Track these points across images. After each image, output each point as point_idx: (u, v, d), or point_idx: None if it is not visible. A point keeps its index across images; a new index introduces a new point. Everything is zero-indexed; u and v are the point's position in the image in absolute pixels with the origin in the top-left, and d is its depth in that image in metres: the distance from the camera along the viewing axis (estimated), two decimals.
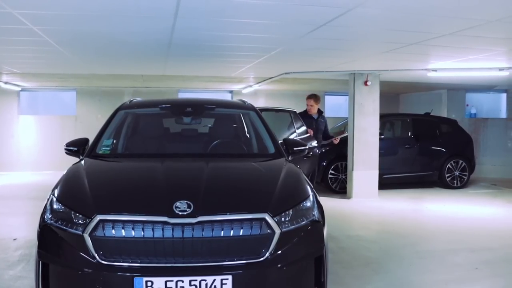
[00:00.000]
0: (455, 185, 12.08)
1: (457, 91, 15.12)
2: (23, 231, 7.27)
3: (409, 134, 12.19)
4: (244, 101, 6.02)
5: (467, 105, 15.73)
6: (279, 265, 3.46)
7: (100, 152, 4.90)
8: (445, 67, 9.37)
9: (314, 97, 10.02)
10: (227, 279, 3.30)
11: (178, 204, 3.46)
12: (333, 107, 16.96)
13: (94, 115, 15.08)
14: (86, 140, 5.10)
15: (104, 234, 3.39)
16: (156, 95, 14.67)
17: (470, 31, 5.79)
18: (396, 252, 6.38)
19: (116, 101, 13.68)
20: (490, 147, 15.26)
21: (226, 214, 3.47)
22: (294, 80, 12.22)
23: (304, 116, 9.82)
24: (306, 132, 9.18)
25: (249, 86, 14.50)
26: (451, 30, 5.86)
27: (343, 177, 11.18)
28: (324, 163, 11.09)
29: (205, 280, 3.28)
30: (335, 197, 10.48)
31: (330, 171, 11.19)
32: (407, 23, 5.62)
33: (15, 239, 6.80)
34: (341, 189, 11.04)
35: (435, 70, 9.70)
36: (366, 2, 4.59)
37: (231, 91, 16.48)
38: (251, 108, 5.73)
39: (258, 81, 13.02)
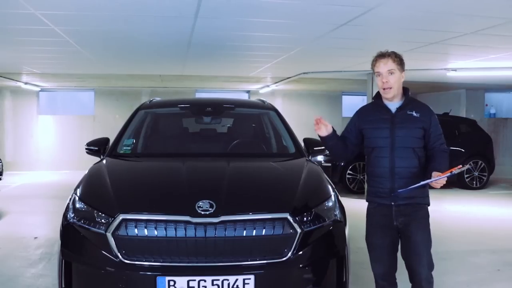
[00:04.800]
0: (475, 185, 11.97)
1: (476, 90, 14.98)
2: (44, 229, 7.34)
3: None
4: (263, 101, 6.00)
5: (486, 105, 15.58)
6: (301, 265, 3.44)
7: (121, 151, 4.92)
8: (465, 66, 9.29)
9: None
10: (249, 278, 3.30)
11: (200, 203, 3.45)
12: (350, 107, 16.91)
13: (112, 115, 15.19)
14: (107, 139, 5.13)
15: (127, 233, 3.40)
16: (173, 95, 14.74)
17: (492, 30, 5.74)
18: None
19: (134, 101, 13.88)
20: (510, 147, 15.09)
21: (248, 214, 3.46)
22: (312, 80, 12.19)
23: None
24: None
25: (267, 86, 14.50)
26: (472, 29, 5.80)
27: (361, 177, 11.13)
28: (342, 164, 11.04)
29: (228, 280, 3.27)
30: (353, 198, 10.42)
31: (348, 171, 11.15)
32: (428, 22, 5.58)
33: (36, 237, 6.86)
34: (359, 189, 10.99)
35: (454, 69, 9.62)
36: (388, 1, 4.57)
37: (248, 91, 16.50)
38: (271, 107, 5.71)
39: (276, 81, 13.01)
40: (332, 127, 3.58)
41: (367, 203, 3.72)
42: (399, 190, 3.39)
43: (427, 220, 3.54)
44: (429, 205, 3.58)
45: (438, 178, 3.30)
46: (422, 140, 3.50)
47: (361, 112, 3.71)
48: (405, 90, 3.58)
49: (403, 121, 3.48)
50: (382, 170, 3.49)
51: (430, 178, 3.33)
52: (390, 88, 3.44)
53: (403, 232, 3.50)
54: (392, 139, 3.47)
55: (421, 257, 3.45)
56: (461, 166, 3.34)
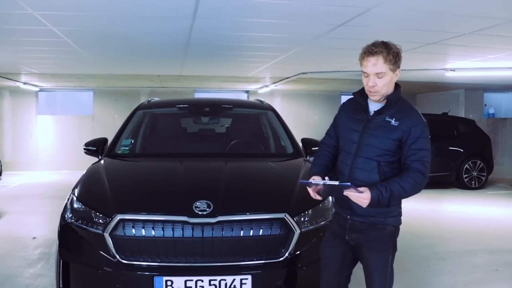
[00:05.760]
0: (473, 186, 11.96)
1: (475, 90, 14.98)
2: (42, 229, 7.33)
3: None
4: (261, 101, 6.01)
5: (485, 105, 15.58)
6: (298, 265, 3.46)
7: (119, 152, 4.93)
8: (463, 66, 9.29)
9: None
10: (247, 278, 3.31)
11: (198, 204, 3.46)
12: None
13: (111, 115, 15.19)
14: (105, 140, 5.15)
15: (125, 234, 3.41)
16: (172, 95, 14.74)
17: (490, 30, 5.74)
18: (414, 253, 6.33)
19: (133, 101, 13.88)
20: (509, 147, 15.08)
21: (245, 214, 3.47)
22: (311, 80, 12.19)
23: None
24: None
25: (265, 86, 14.50)
26: (470, 29, 5.80)
27: None
28: None
29: (225, 280, 3.28)
30: None
31: None
32: (426, 23, 5.58)
33: (34, 237, 6.86)
34: None
35: (453, 69, 9.62)
36: (385, 1, 4.57)
37: (247, 91, 16.50)
38: (269, 108, 5.72)
39: (275, 81, 13.01)
40: (319, 171, 3.08)
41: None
42: (300, 180, 3.01)
43: (385, 243, 2.98)
44: (395, 226, 3.00)
45: (330, 183, 2.79)
46: (393, 154, 2.91)
47: (343, 107, 3.22)
48: (396, 88, 2.97)
49: (377, 129, 2.92)
50: (341, 178, 2.97)
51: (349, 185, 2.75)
52: (377, 92, 2.89)
53: (355, 251, 3.03)
54: (358, 146, 2.95)
55: (372, 283, 3.01)
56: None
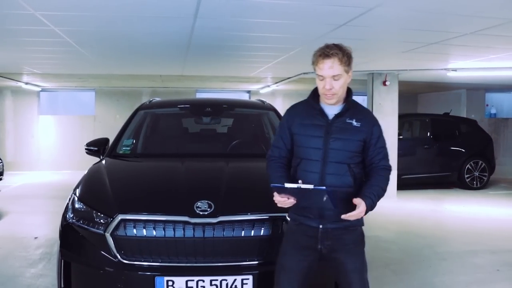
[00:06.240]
0: (475, 186, 11.95)
1: (477, 90, 14.97)
2: (44, 229, 7.35)
3: (428, 134, 12.10)
4: (263, 101, 6.01)
5: (487, 105, 15.58)
6: None
7: (121, 152, 4.94)
8: (465, 66, 9.28)
9: None
10: (248, 279, 3.31)
11: (199, 204, 3.46)
12: None
13: (112, 115, 15.20)
14: (106, 140, 5.15)
15: (126, 234, 3.41)
16: (174, 95, 14.75)
17: (492, 30, 5.72)
18: (415, 253, 6.33)
19: (134, 101, 13.90)
20: (511, 147, 15.09)
21: (246, 214, 3.47)
22: (312, 80, 12.07)
23: None
24: None
25: (267, 86, 14.50)
26: (472, 29, 5.79)
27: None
28: None
29: (226, 280, 3.28)
30: None
31: None
32: (428, 23, 5.57)
33: (36, 237, 6.87)
34: None
35: (455, 69, 9.60)
36: (387, 1, 4.56)
37: (248, 91, 16.50)
38: (270, 108, 5.72)
39: (276, 81, 13.01)
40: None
41: (289, 219, 3.15)
42: (272, 184, 2.87)
43: (359, 244, 3.04)
44: (363, 225, 3.04)
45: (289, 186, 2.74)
46: (360, 155, 2.97)
47: (292, 113, 3.09)
48: (348, 91, 2.98)
49: (340, 132, 2.91)
50: None
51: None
52: (334, 94, 2.87)
53: (328, 257, 2.97)
54: (325, 152, 2.90)
55: (352, 285, 2.97)
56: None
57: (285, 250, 3.04)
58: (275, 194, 2.85)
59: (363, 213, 2.82)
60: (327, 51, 2.81)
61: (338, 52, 2.80)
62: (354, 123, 2.92)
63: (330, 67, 2.80)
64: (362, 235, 3.06)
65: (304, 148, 2.97)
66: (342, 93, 2.90)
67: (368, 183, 2.92)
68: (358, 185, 2.95)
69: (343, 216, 2.79)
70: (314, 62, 2.88)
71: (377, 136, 2.97)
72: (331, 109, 2.95)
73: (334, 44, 2.86)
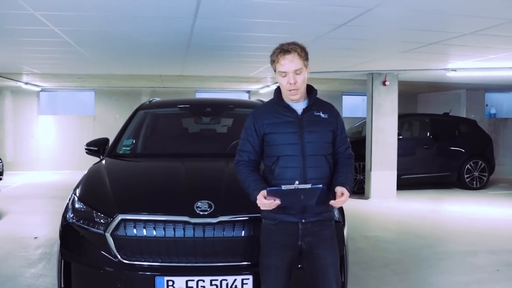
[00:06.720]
0: (474, 186, 11.96)
1: (476, 91, 14.98)
2: (44, 229, 7.35)
3: (428, 135, 12.10)
4: (262, 101, 6.00)
5: (487, 105, 15.58)
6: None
7: (121, 152, 4.94)
8: (464, 66, 9.29)
9: None
10: (248, 278, 3.31)
11: (199, 204, 3.46)
12: (351, 107, 16.92)
13: (112, 115, 15.20)
14: (106, 140, 5.15)
15: (126, 234, 3.41)
16: (173, 95, 14.75)
17: (492, 30, 5.73)
18: (415, 253, 6.34)
19: (134, 101, 13.91)
20: (510, 147, 15.10)
21: (246, 214, 3.47)
22: (312, 80, 12.08)
23: None
24: None
25: (267, 86, 14.50)
26: (472, 29, 5.80)
27: (361, 177, 11.13)
28: None
29: (226, 280, 3.28)
30: (353, 198, 10.40)
31: None
32: (427, 23, 5.57)
33: (36, 237, 6.87)
34: (359, 189, 10.98)
35: (454, 69, 9.61)
36: (386, 1, 4.57)
37: (248, 91, 16.50)
38: None
39: (276, 81, 12.99)
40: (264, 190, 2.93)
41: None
42: (268, 188, 2.87)
43: (334, 238, 3.15)
44: (335, 220, 3.23)
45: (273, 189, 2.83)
46: (332, 146, 3.10)
47: (259, 116, 3.13)
48: (309, 87, 3.11)
49: (312, 124, 3.02)
50: (290, 183, 2.82)
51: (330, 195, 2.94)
52: (297, 89, 2.97)
53: (307, 252, 3.04)
54: (302, 146, 2.98)
55: (330, 281, 3.04)
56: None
57: (267, 251, 3.08)
58: (259, 197, 2.90)
59: (345, 200, 2.95)
60: (286, 46, 2.95)
61: (296, 47, 2.94)
62: (322, 115, 3.07)
63: (291, 61, 2.92)
64: (334, 230, 3.19)
65: (280, 145, 3.02)
66: (304, 88, 3.04)
67: (342, 171, 3.08)
68: (331, 175, 3.08)
69: (331, 203, 2.94)
70: (275, 61, 3.02)
71: (341, 127, 3.16)
72: (297, 105, 3.07)
73: (291, 42, 2.99)
